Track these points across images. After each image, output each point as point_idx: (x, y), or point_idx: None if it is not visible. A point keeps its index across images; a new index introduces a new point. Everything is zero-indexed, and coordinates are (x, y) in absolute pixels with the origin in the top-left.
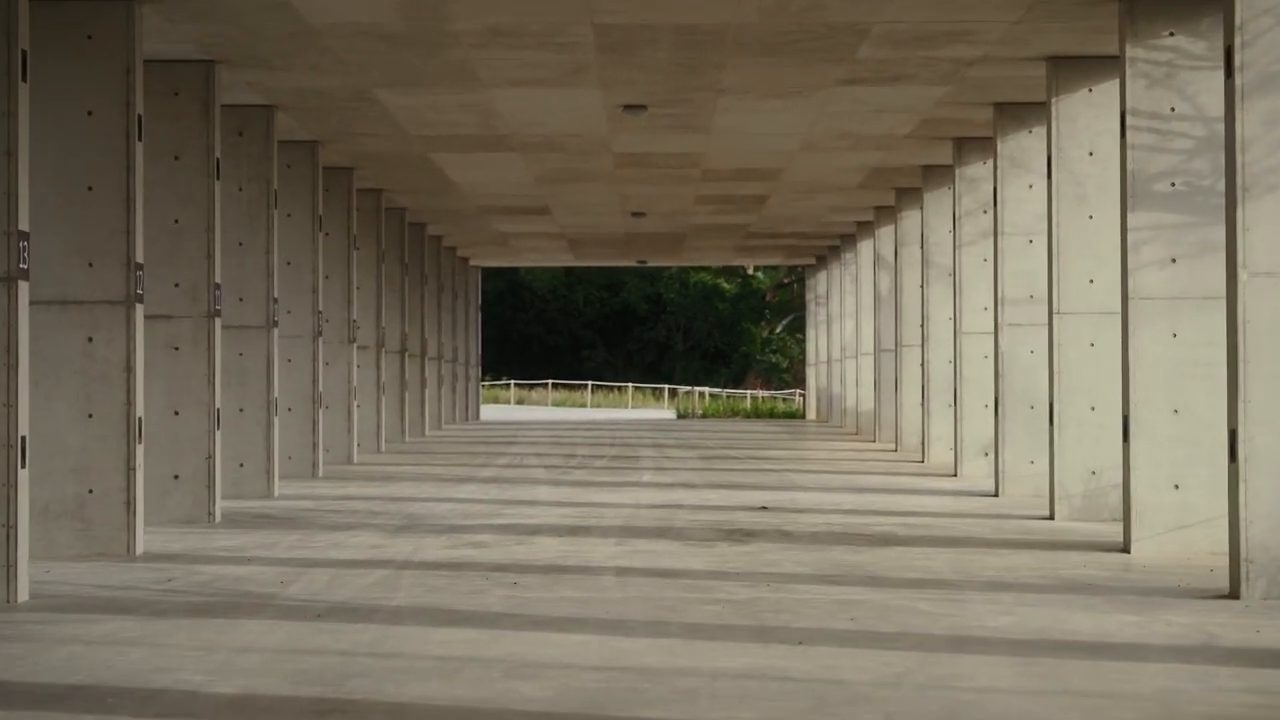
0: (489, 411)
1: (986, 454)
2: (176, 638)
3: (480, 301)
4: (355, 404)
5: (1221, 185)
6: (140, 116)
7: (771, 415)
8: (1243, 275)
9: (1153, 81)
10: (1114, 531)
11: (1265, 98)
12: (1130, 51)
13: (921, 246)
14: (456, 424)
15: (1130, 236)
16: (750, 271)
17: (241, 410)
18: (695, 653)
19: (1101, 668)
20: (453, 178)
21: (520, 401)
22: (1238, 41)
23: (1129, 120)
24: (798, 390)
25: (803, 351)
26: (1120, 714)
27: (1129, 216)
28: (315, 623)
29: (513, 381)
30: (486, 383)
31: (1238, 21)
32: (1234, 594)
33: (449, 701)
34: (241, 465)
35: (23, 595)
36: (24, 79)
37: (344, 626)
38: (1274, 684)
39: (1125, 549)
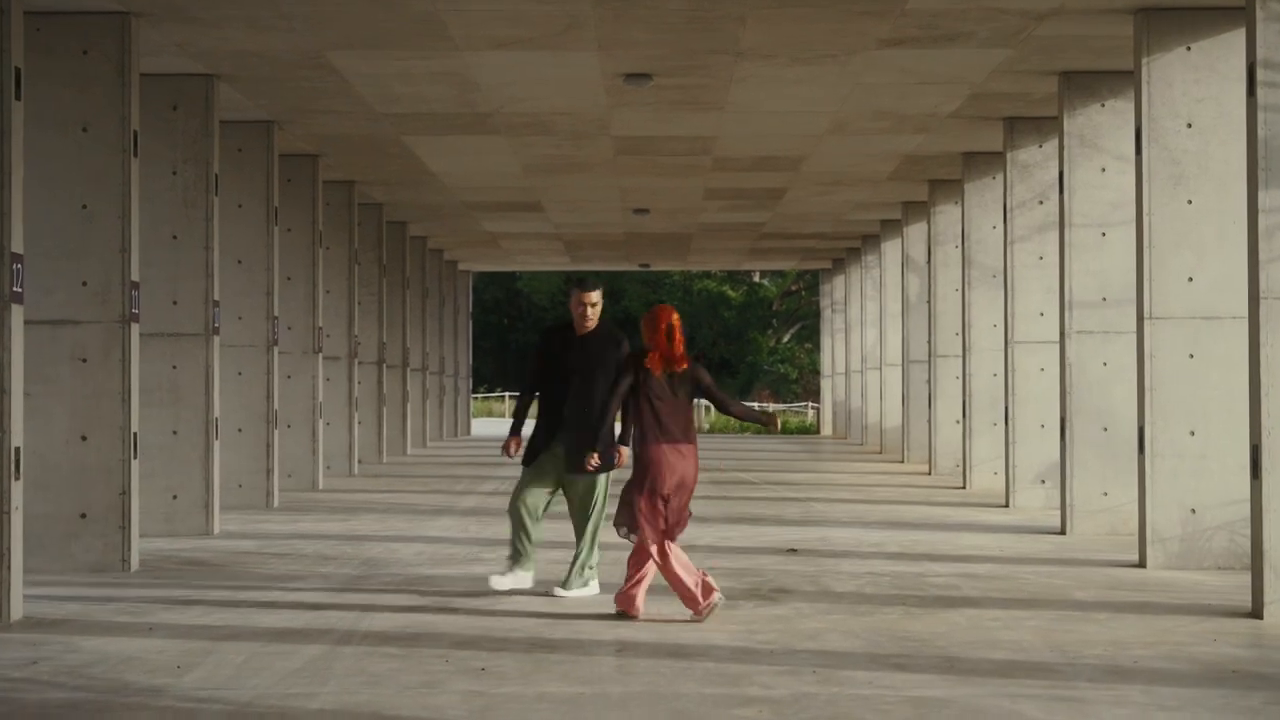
0: (481, 426)
1: (1044, 482)
2: None
3: (473, 309)
4: (322, 422)
5: None
6: (19, 70)
7: (784, 430)
8: None
9: None
10: (1227, 586)
11: None
12: None
13: (961, 244)
14: (444, 440)
15: (1262, 220)
16: (757, 278)
17: (175, 433)
18: None
19: None
20: (431, 166)
21: None
22: None
23: (1260, 75)
24: (809, 403)
25: (813, 361)
26: None
27: (1260, 195)
28: None
29: (508, 394)
30: (480, 395)
31: None
32: None
33: None
34: (175, 497)
35: None
36: (17, 97)
37: None
38: None
39: (1256, 613)
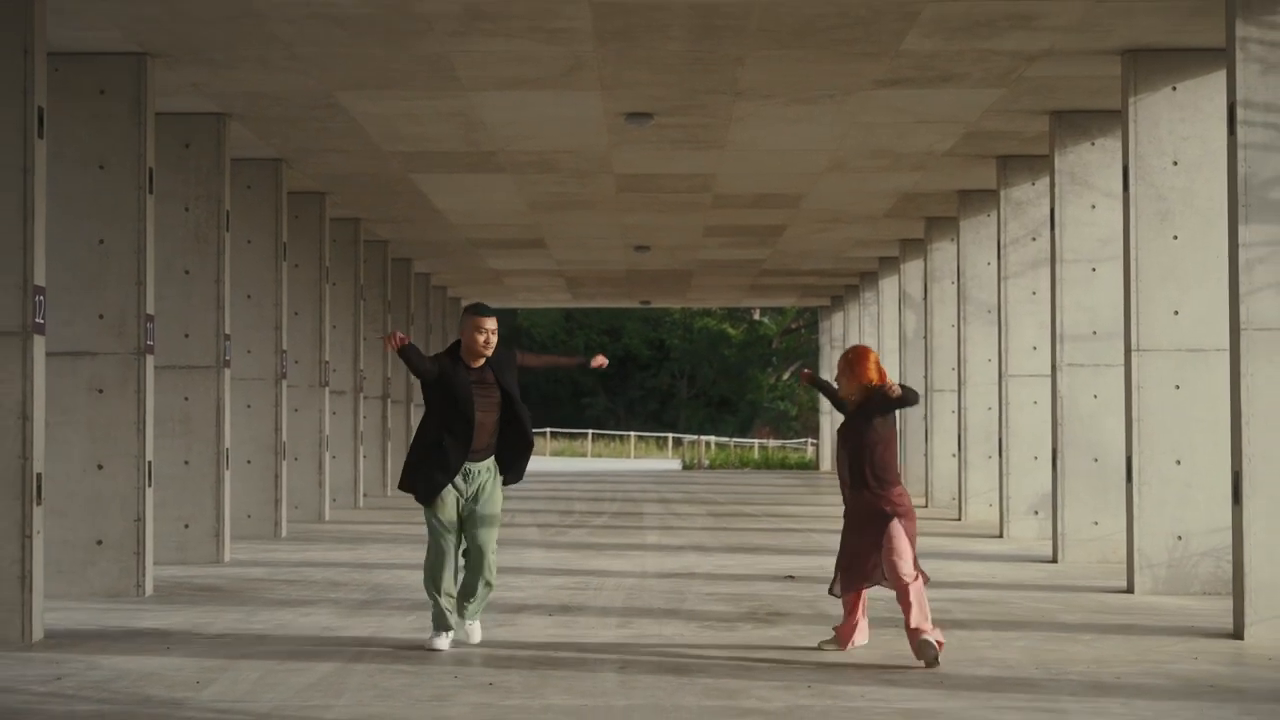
0: None
1: (1037, 513)
2: None
3: None
4: (328, 455)
5: None
6: (42, 109)
7: (783, 466)
8: None
9: (1269, 66)
10: (1211, 610)
11: None
12: (1241, 31)
13: (957, 280)
14: None
15: (1242, 254)
16: (757, 316)
17: (187, 463)
18: None
19: None
20: (437, 204)
21: None
22: None
23: (1240, 114)
24: (809, 439)
25: (812, 398)
26: None
27: (1240, 230)
28: None
29: None
30: None
31: None
32: None
33: None
34: (187, 526)
35: None
36: (40, 135)
37: None
38: None
39: (1237, 634)
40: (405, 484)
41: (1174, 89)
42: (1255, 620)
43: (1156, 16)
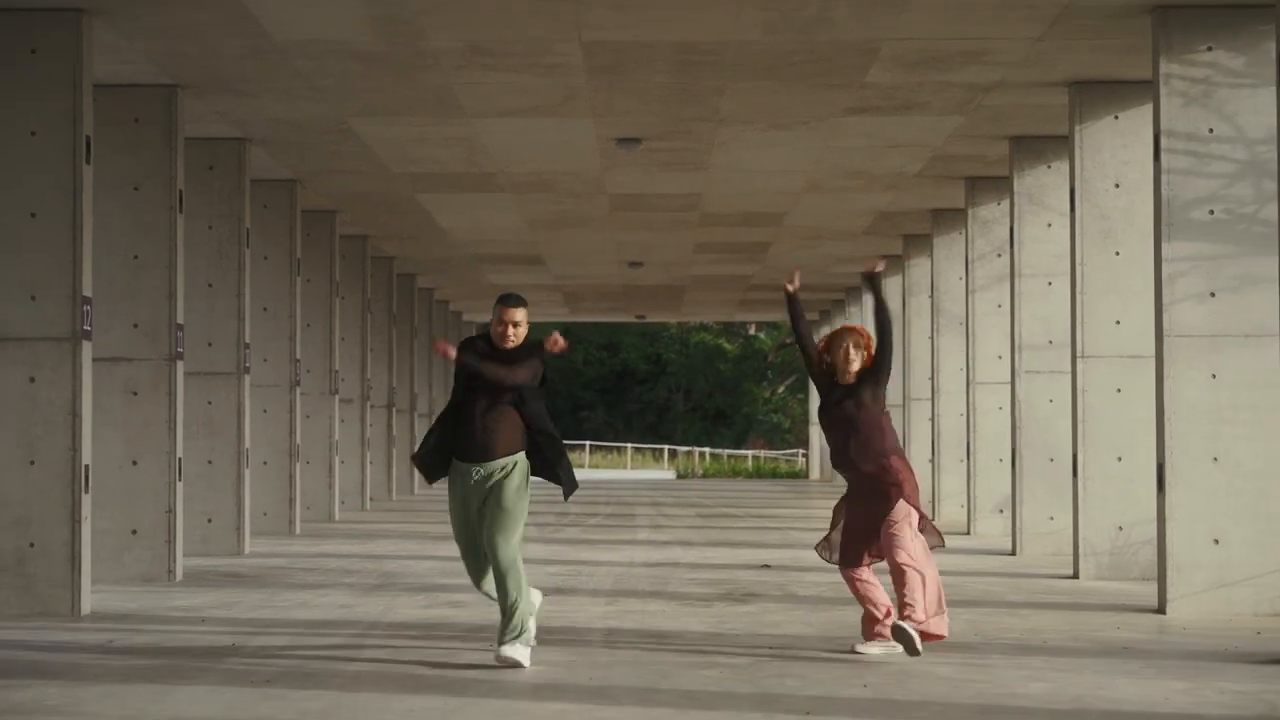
0: None
1: (1002, 511)
2: (103, 706)
3: None
4: (338, 459)
5: (1267, 212)
6: (89, 138)
7: (774, 475)
8: None
9: (1189, 100)
10: (1145, 591)
11: None
12: (1164, 67)
13: (931, 295)
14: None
15: (1165, 269)
16: (752, 331)
17: (210, 462)
18: None
19: None
20: (441, 222)
21: None
22: None
23: (1163, 142)
24: (800, 450)
25: (805, 411)
26: None
27: (1164, 247)
28: (262, 688)
29: None
30: None
31: None
32: None
33: None
34: (210, 521)
35: None
36: (88, 162)
37: (293, 693)
38: None
39: (1160, 609)
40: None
41: (1116, 118)
42: (1176, 596)
43: (1096, 53)
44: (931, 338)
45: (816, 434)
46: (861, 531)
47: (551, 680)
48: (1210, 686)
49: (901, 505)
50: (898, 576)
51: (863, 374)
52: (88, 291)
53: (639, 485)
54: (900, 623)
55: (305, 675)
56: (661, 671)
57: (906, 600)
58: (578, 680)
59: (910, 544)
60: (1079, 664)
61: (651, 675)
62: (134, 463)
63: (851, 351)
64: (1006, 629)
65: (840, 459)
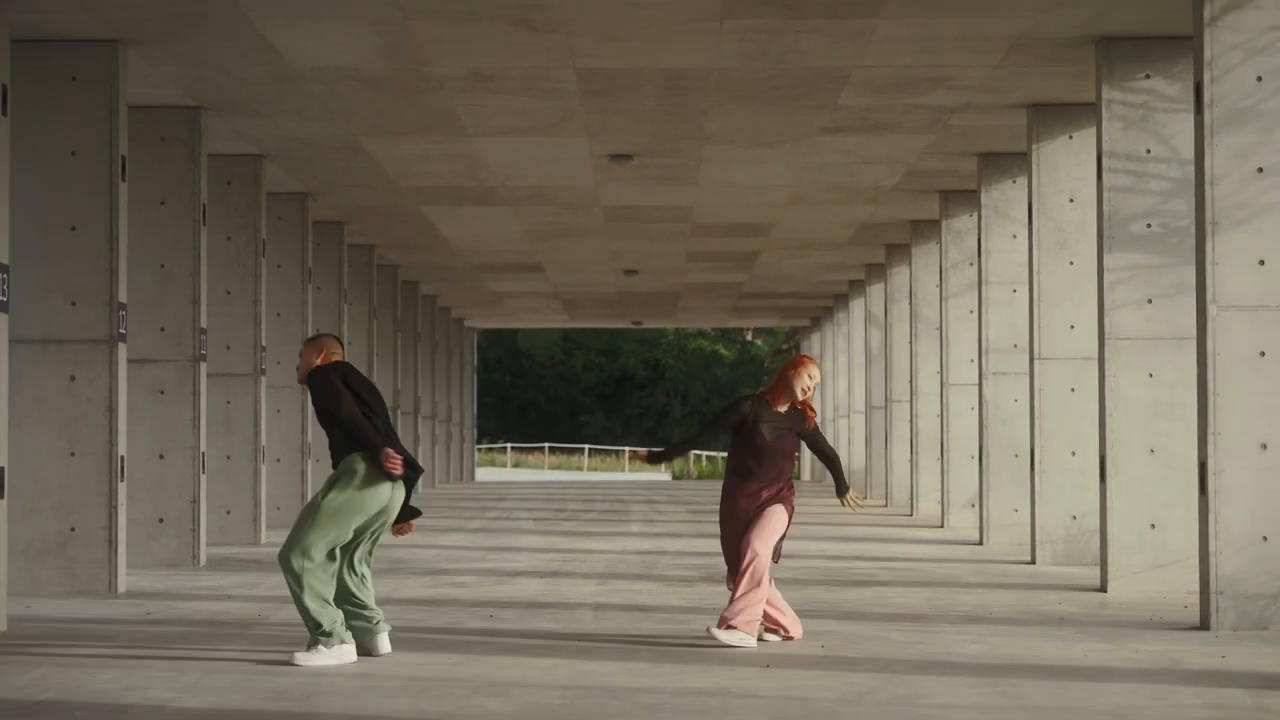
0: (484, 474)
1: (973, 505)
2: (150, 661)
3: (477, 364)
4: None
5: None
6: (124, 158)
7: None
8: (1212, 310)
9: (1129, 124)
10: (1094, 574)
11: (1233, 133)
12: (1107, 94)
13: (910, 302)
14: (450, 484)
15: (1107, 277)
16: (749, 337)
17: (229, 458)
18: (662, 675)
19: (1064, 687)
20: (444, 233)
21: (517, 465)
22: (1207, 77)
23: (1105, 162)
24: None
25: None
26: None
27: (1106, 258)
28: (290, 649)
29: (510, 445)
30: (484, 446)
31: (1207, 57)
32: (1204, 625)
33: (414, 715)
34: (228, 512)
35: (0, 626)
36: (4, 113)
37: None
38: (1232, 701)
39: (1103, 588)
40: None
41: (1070, 137)
42: (1116, 576)
43: (1049, 79)
44: (911, 342)
45: None
46: (742, 537)
47: (545, 643)
48: (1126, 648)
49: (781, 510)
50: (745, 564)
51: (800, 414)
52: (123, 298)
53: (635, 486)
54: (718, 634)
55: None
56: (645, 636)
57: (741, 598)
58: (568, 643)
59: (770, 536)
60: (1016, 630)
61: (635, 639)
62: (161, 456)
63: (809, 381)
64: (958, 603)
65: (754, 473)
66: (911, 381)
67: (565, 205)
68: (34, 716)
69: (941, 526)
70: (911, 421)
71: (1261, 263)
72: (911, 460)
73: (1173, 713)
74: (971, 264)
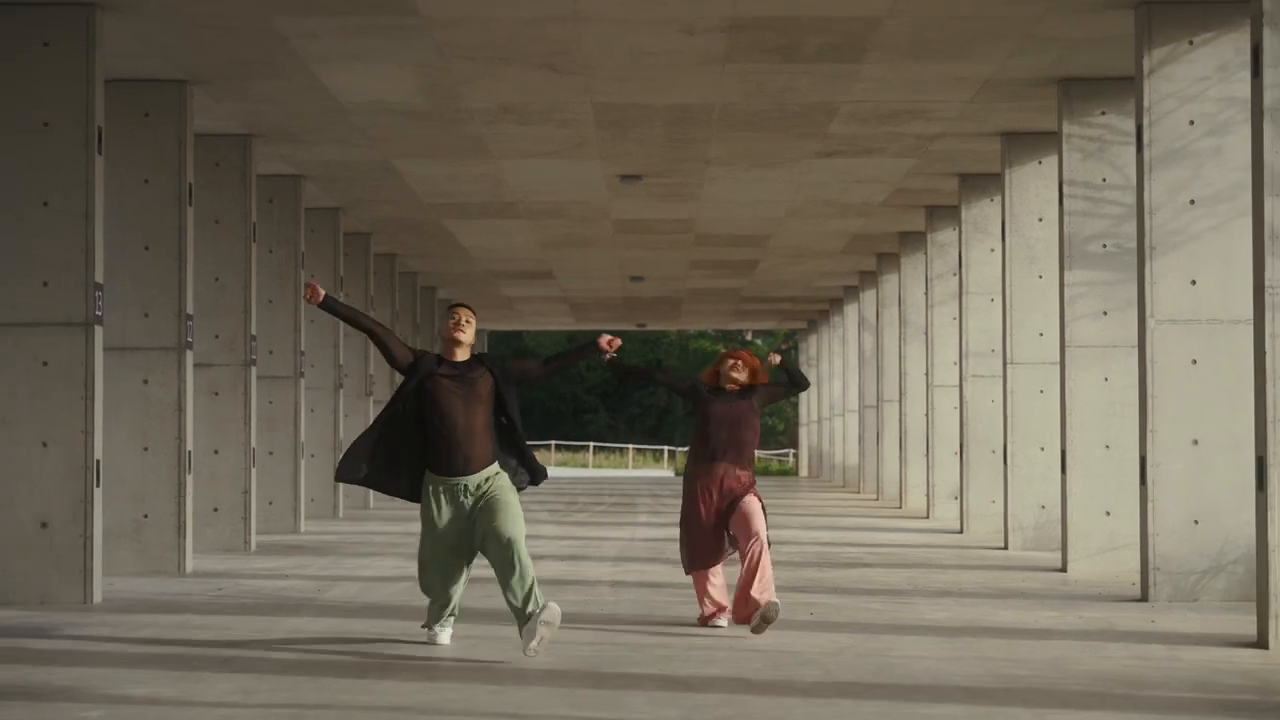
0: None
1: (956, 497)
2: (237, 624)
3: None
4: None
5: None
6: (191, 185)
7: (765, 472)
8: (1151, 323)
9: (1087, 155)
10: (1059, 558)
11: (1169, 169)
12: (1067, 128)
13: (899, 308)
14: None
15: (1067, 292)
16: (749, 338)
17: (271, 453)
18: (674, 634)
19: (1014, 644)
20: (463, 243)
21: None
22: (1146, 121)
23: (1066, 189)
24: (791, 450)
25: (797, 414)
26: (1018, 671)
27: (1066, 274)
28: (353, 618)
29: None
30: None
31: (1146, 103)
32: (1144, 597)
33: (464, 656)
34: (271, 503)
35: (97, 597)
36: (100, 152)
37: (379, 620)
38: (1152, 654)
39: (1063, 569)
40: None
41: (1039, 163)
42: (1075, 558)
43: (1017, 112)
44: (900, 346)
45: (806, 434)
46: (714, 529)
47: (571, 612)
48: (1073, 615)
49: (753, 498)
50: (757, 551)
51: (750, 388)
52: (190, 309)
53: (639, 482)
54: (774, 600)
55: (383, 608)
56: (657, 606)
57: (762, 584)
58: (591, 612)
59: (761, 520)
60: (980, 602)
61: (648, 609)
62: (215, 451)
63: (732, 372)
64: (933, 581)
65: (712, 442)
66: (900, 382)
67: (578, 218)
68: (159, 661)
69: (927, 517)
70: (901, 420)
71: (1193, 282)
72: (900, 456)
73: (1100, 662)
74: (954, 274)
